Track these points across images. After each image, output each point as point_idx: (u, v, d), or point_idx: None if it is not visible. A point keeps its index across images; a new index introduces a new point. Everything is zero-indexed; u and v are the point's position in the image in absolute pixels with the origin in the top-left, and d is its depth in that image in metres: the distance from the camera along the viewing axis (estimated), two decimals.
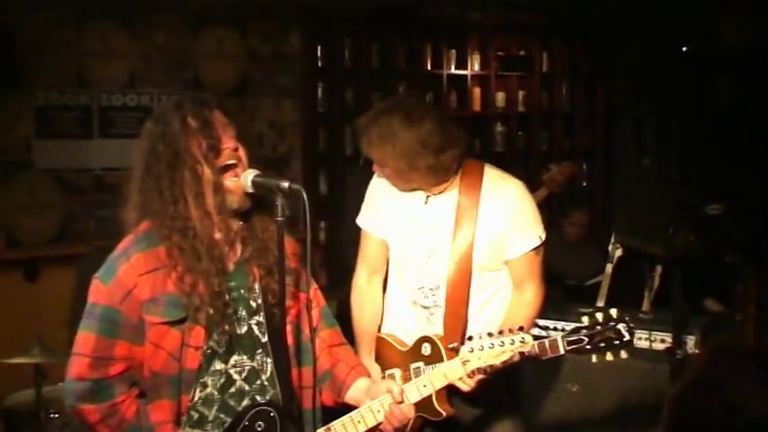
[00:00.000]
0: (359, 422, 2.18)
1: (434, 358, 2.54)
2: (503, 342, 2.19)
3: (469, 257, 2.61)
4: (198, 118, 2.03)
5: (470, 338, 2.24)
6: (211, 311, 2.00)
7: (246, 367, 2.09)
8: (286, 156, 6.03)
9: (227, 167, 2.03)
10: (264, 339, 2.09)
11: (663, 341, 3.57)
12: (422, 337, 2.62)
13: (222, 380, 2.06)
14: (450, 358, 2.38)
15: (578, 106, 7.29)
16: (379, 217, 2.80)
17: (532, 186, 3.11)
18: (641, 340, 3.59)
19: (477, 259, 2.62)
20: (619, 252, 3.99)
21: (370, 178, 4.24)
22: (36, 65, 5.14)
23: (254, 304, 2.10)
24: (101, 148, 5.41)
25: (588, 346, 2.27)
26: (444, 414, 2.50)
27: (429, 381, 2.29)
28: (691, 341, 3.54)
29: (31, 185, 5.17)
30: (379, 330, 2.84)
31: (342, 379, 2.28)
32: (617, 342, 2.26)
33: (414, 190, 2.68)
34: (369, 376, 2.36)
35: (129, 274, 2.01)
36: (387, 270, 2.87)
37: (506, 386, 2.69)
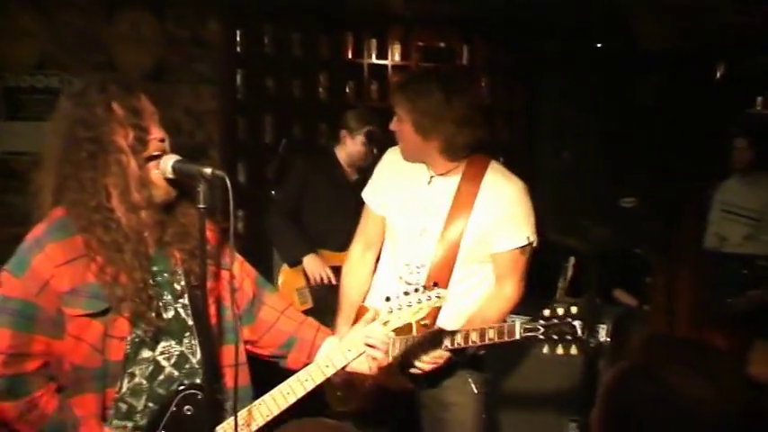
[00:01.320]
0: (306, 380, 2.16)
1: (405, 329, 2.57)
2: (420, 299, 2.19)
3: (457, 243, 2.72)
4: (125, 105, 1.96)
5: (388, 299, 2.23)
6: (137, 302, 1.96)
7: (175, 353, 2.06)
8: (204, 144, 6.01)
9: (152, 158, 1.98)
10: (191, 322, 2.07)
11: None
12: (371, 308, 2.71)
13: (150, 368, 2.03)
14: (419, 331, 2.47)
15: (498, 101, 7.21)
16: (382, 194, 2.92)
17: None
18: None
19: (464, 246, 2.73)
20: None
21: (296, 166, 4.36)
22: None
23: (177, 287, 2.08)
24: (7, 131, 5.36)
25: (542, 336, 2.38)
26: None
27: (353, 345, 2.28)
28: (603, 330, 3.68)
29: None
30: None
31: (310, 340, 2.29)
32: (569, 337, 2.35)
33: (421, 161, 2.77)
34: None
35: (45, 265, 1.93)
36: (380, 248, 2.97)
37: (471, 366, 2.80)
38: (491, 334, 2.46)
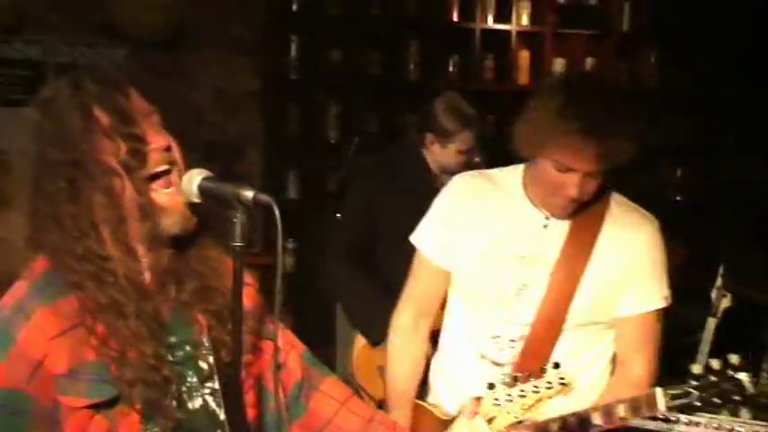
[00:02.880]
0: None
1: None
2: (536, 388, 2.25)
3: (566, 305, 2.77)
4: (110, 108, 1.96)
5: (491, 386, 2.28)
6: (150, 386, 1.96)
7: None
8: (239, 141, 6.08)
9: (157, 176, 1.97)
10: (223, 416, 2.08)
11: None
12: (472, 399, 2.61)
13: None
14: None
15: (668, 81, 7.24)
16: (454, 240, 2.90)
17: None
18: None
19: (575, 309, 2.76)
20: (726, 302, 4.20)
21: (366, 173, 4.41)
22: None
23: (204, 365, 2.08)
24: None
25: (698, 402, 2.39)
26: None
27: None
28: None
29: None
30: (418, 396, 3.06)
31: None
32: (737, 397, 2.35)
33: (559, 211, 2.80)
34: None
35: (35, 339, 1.94)
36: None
37: None
38: (621, 411, 2.49)
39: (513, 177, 2.88)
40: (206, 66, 5.90)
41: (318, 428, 2.29)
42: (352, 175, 4.62)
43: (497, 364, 2.79)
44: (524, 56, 6.84)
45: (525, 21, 6.73)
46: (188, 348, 2.08)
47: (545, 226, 2.82)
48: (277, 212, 1.87)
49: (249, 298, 2.16)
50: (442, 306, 3.02)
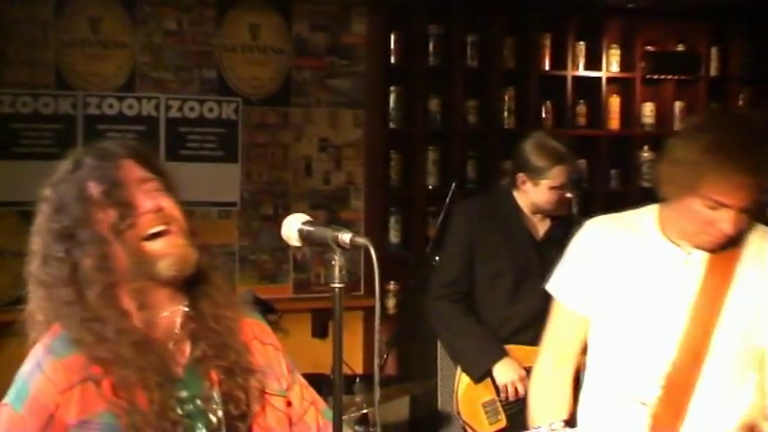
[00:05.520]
0: None
1: None
2: None
3: (706, 339, 2.69)
4: (101, 178, 2.02)
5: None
6: None
7: None
8: (343, 189, 6.16)
9: (155, 236, 2.03)
10: None
11: None
12: None
13: None
14: None
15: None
16: (590, 282, 2.88)
17: None
18: None
19: (718, 338, 2.69)
20: None
21: (462, 215, 4.42)
22: None
23: (214, 419, 2.09)
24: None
25: None
26: None
27: None
28: None
29: None
30: None
31: None
32: None
33: (710, 247, 2.74)
34: None
35: (47, 391, 1.98)
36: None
37: None
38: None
39: (646, 219, 2.84)
40: (312, 118, 5.98)
41: None
42: (450, 218, 4.56)
43: (645, 404, 2.75)
44: (614, 101, 6.85)
45: (615, 67, 6.76)
46: (198, 402, 2.10)
47: (685, 262, 2.77)
48: (374, 253, 1.89)
49: (263, 356, 2.18)
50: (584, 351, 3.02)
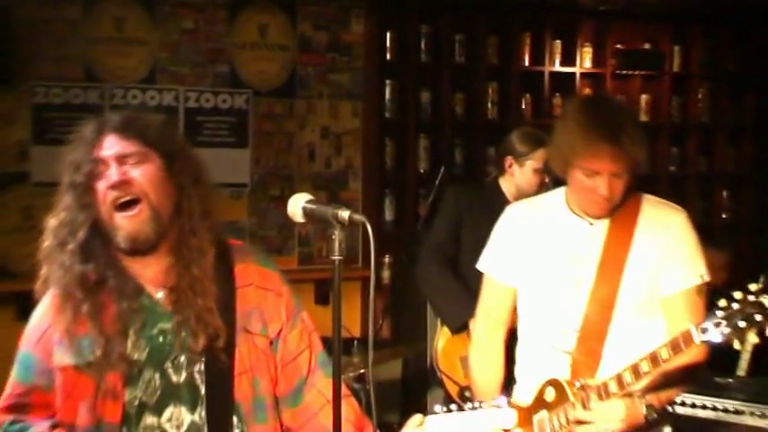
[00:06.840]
0: None
1: (559, 401, 2.78)
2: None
3: (614, 289, 2.85)
4: (80, 154, 2.14)
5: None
6: (135, 356, 2.11)
7: (186, 421, 2.15)
8: (343, 172, 6.20)
9: (121, 208, 2.10)
10: (204, 391, 2.15)
11: None
12: (544, 383, 2.86)
13: None
14: (577, 397, 2.70)
15: (721, 117, 7.18)
16: (514, 256, 3.03)
17: None
18: None
19: (623, 293, 2.85)
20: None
21: (454, 195, 4.62)
22: (33, 55, 5.37)
23: (194, 346, 2.15)
24: None
25: (726, 329, 2.39)
26: None
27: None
28: None
29: (26, 203, 5.31)
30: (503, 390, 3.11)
31: None
32: (759, 317, 2.36)
33: (597, 211, 2.90)
34: None
35: (47, 313, 2.18)
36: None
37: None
38: (664, 354, 2.53)
39: (555, 198, 3.00)
40: (315, 109, 6.04)
41: (305, 420, 2.29)
42: (441, 198, 4.72)
43: (567, 352, 2.88)
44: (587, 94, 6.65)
45: (588, 64, 6.78)
46: (183, 334, 2.14)
47: (589, 231, 2.91)
48: (369, 229, 1.93)
49: (254, 299, 2.23)
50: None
